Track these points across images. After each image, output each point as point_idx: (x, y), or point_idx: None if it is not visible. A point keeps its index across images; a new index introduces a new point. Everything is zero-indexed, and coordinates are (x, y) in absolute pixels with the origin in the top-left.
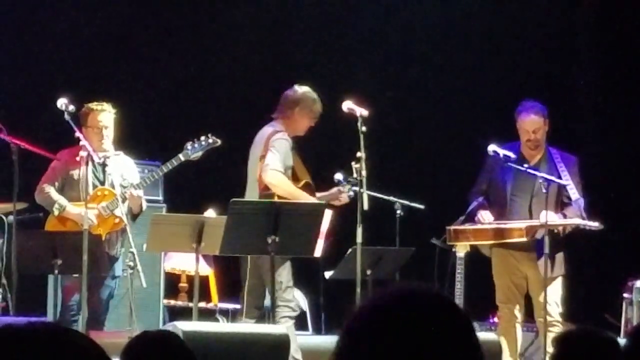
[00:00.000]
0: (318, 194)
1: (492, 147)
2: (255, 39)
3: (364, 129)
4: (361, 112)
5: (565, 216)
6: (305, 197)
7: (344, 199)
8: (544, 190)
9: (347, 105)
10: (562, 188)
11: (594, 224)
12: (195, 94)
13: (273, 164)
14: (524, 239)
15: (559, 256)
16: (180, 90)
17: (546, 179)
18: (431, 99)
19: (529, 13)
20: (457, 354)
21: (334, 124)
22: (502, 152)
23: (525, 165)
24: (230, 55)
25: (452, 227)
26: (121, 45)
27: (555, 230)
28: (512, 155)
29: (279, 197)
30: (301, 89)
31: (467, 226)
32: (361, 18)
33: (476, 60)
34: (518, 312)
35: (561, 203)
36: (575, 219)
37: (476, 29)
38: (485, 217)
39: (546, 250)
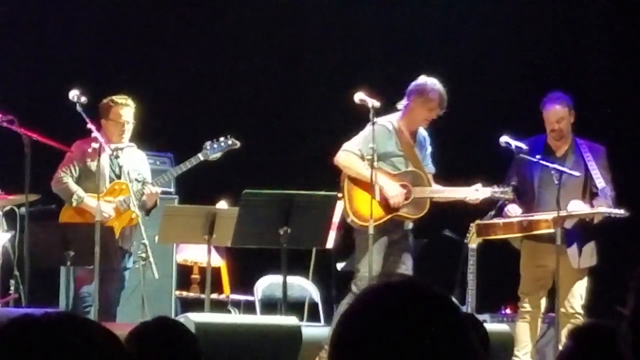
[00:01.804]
0: (452, 187)
1: (504, 139)
2: (269, 36)
3: (376, 120)
4: (373, 103)
5: (593, 206)
6: (378, 179)
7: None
8: (555, 182)
9: (359, 96)
10: (589, 178)
11: (620, 212)
12: (210, 87)
13: (346, 146)
14: (551, 230)
15: (590, 247)
16: (195, 83)
17: (558, 170)
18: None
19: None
20: (451, 355)
21: (346, 115)
22: (513, 143)
23: (538, 157)
24: (244, 50)
25: (481, 222)
26: (137, 36)
27: (587, 219)
28: (523, 146)
29: (349, 177)
30: (421, 79)
31: (495, 220)
32: (375, 10)
33: (494, 52)
34: (542, 304)
35: (590, 193)
36: (600, 207)
37: (493, 21)
38: (513, 211)
39: (558, 242)
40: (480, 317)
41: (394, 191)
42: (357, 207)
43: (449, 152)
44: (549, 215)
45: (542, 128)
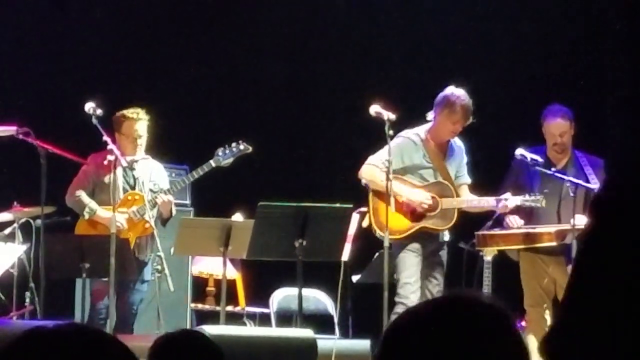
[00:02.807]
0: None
1: (519, 151)
2: (283, 44)
3: (391, 132)
4: (388, 115)
5: None
6: (403, 190)
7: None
8: (571, 194)
9: (375, 109)
10: (590, 191)
11: None
12: (224, 98)
13: (369, 159)
14: (554, 244)
15: None
16: (209, 94)
17: (573, 183)
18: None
19: (555, 15)
20: None
21: (362, 128)
22: (529, 155)
23: (553, 169)
24: (259, 59)
25: (481, 233)
26: (150, 48)
27: None
28: (539, 159)
29: (373, 190)
30: (448, 90)
31: (497, 231)
32: (393, 20)
33: (500, 63)
34: (547, 316)
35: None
36: None
37: (500, 31)
38: (514, 222)
39: (574, 254)
40: None
41: (421, 196)
42: (383, 220)
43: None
44: (552, 228)
45: (541, 140)
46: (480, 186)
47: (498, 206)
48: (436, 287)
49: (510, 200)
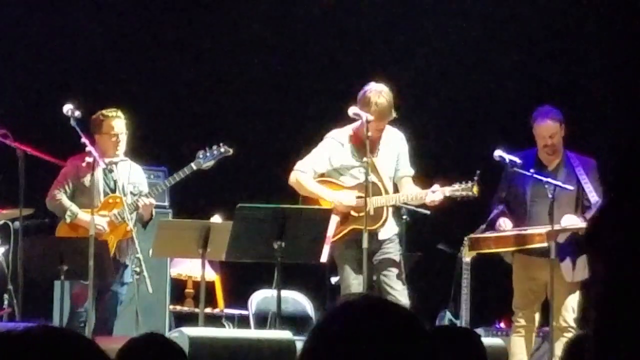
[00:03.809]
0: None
1: (497, 152)
2: (263, 47)
3: (369, 134)
4: (367, 117)
5: (586, 219)
6: (326, 194)
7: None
8: (550, 196)
9: (353, 110)
10: (582, 192)
11: None
12: (202, 100)
13: (297, 165)
14: (545, 244)
15: (582, 260)
16: (188, 96)
17: (552, 184)
18: (441, 105)
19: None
20: None
21: (342, 126)
22: (507, 157)
23: (532, 171)
24: (238, 61)
25: (474, 236)
26: (128, 50)
27: (580, 233)
28: (517, 160)
29: (302, 197)
30: (365, 87)
31: (488, 234)
32: (372, 22)
33: (488, 65)
34: (536, 318)
35: (582, 207)
36: None
37: (490, 33)
38: (505, 225)
39: (552, 255)
40: (475, 330)
41: (344, 198)
42: None
43: (442, 163)
44: (543, 229)
45: (532, 141)
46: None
47: (426, 200)
48: (397, 280)
49: (437, 192)
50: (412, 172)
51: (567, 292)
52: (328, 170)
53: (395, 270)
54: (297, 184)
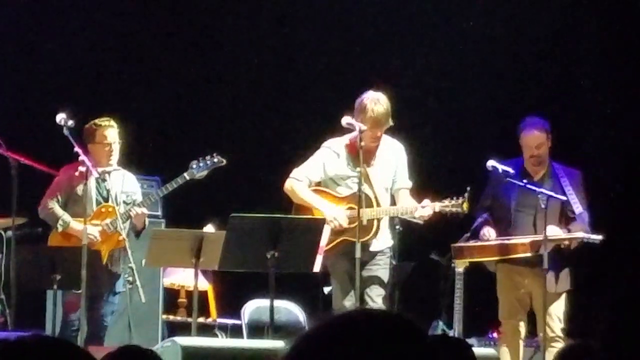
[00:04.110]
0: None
1: (491, 162)
2: (256, 56)
3: (363, 144)
4: (360, 127)
5: (569, 231)
6: (320, 206)
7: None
8: (542, 206)
9: (346, 120)
10: (566, 203)
11: (598, 237)
12: (196, 110)
13: (293, 173)
14: (529, 254)
15: (565, 272)
16: (181, 106)
17: (545, 194)
18: (431, 114)
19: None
20: None
21: (335, 136)
22: (500, 167)
23: (525, 181)
24: (232, 71)
25: (457, 245)
26: (121, 60)
27: (562, 245)
28: (510, 170)
29: (296, 204)
30: (363, 96)
31: (472, 243)
32: (362, 31)
33: (477, 76)
34: (522, 328)
35: (566, 218)
36: (577, 232)
37: (478, 43)
38: (489, 234)
39: (545, 265)
40: (467, 341)
41: (335, 213)
42: None
43: (435, 175)
44: (527, 239)
45: (519, 151)
46: (444, 197)
47: (415, 214)
48: (378, 297)
49: (427, 207)
50: (409, 184)
51: (552, 302)
52: (324, 180)
53: (380, 290)
54: (291, 192)
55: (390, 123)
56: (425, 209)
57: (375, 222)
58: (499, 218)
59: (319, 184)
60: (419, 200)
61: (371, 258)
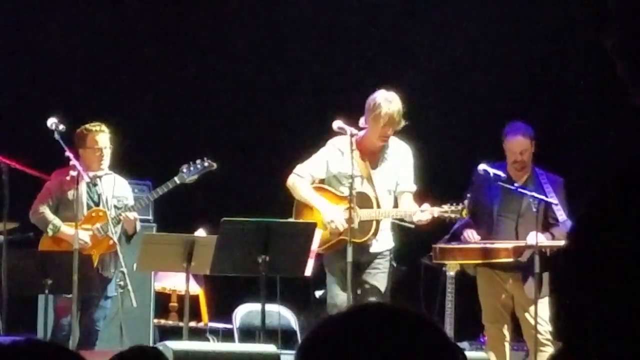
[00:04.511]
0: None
1: (482, 166)
2: (246, 60)
3: (354, 147)
4: (351, 131)
5: (553, 236)
6: (319, 206)
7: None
8: (534, 210)
9: (337, 124)
10: (548, 209)
11: None
12: (187, 114)
13: (296, 169)
14: (511, 260)
15: (546, 276)
16: (172, 110)
17: (536, 198)
18: (419, 118)
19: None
20: None
21: (326, 140)
22: (492, 171)
23: (516, 184)
24: (221, 75)
25: (438, 246)
26: (112, 64)
27: (543, 250)
28: (502, 174)
29: (297, 201)
30: (374, 95)
31: (454, 245)
32: (353, 35)
33: (464, 80)
34: (506, 332)
35: (546, 224)
36: (563, 240)
37: (463, 46)
38: (471, 236)
39: (537, 269)
40: (459, 344)
41: (333, 215)
42: None
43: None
44: (510, 244)
45: (502, 156)
46: (441, 202)
47: (414, 218)
48: (374, 298)
49: (426, 212)
50: (413, 188)
51: (535, 307)
52: (327, 177)
53: (381, 285)
54: (292, 188)
55: (403, 123)
56: (424, 214)
57: (374, 223)
58: (481, 222)
59: (322, 180)
60: (420, 205)
61: (371, 260)
